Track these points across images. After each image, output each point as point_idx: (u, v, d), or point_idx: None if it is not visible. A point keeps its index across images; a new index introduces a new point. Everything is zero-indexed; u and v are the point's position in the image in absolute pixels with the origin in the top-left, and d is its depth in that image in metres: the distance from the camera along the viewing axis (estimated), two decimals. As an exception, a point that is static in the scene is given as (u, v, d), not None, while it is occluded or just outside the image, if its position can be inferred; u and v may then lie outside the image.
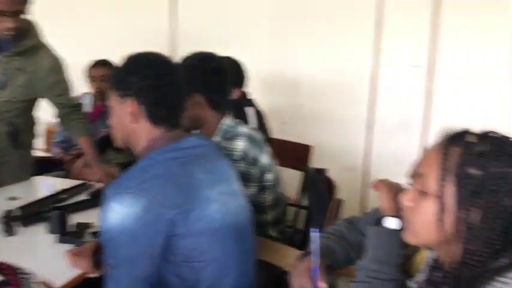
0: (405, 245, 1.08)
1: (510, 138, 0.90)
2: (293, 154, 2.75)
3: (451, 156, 0.88)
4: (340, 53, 2.93)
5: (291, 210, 2.23)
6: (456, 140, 0.90)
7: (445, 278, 0.90)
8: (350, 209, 1.94)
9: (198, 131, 1.75)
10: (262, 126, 2.39)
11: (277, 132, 2.90)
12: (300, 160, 2.67)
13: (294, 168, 2.60)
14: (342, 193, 1.93)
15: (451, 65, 2.76)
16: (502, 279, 0.82)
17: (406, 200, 0.95)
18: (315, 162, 2.70)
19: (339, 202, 1.87)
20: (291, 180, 2.39)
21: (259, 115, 2.44)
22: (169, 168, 1.25)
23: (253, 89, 2.75)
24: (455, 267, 0.88)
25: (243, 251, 1.37)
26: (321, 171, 1.96)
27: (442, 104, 2.79)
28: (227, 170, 1.42)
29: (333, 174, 2.16)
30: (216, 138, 1.71)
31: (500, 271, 0.83)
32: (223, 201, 1.32)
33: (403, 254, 1.12)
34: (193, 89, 1.63)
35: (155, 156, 1.27)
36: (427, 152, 0.94)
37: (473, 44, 2.71)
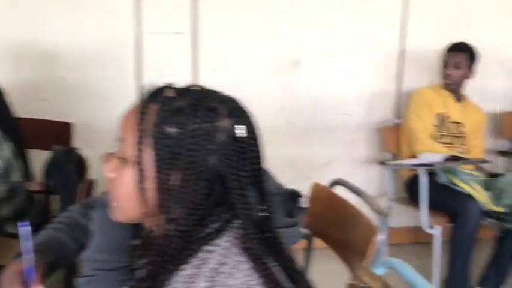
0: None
1: (213, 91, 0.83)
2: (52, 134, 2.44)
3: (149, 115, 0.77)
4: (100, 19, 2.67)
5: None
6: (155, 96, 0.79)
7: (151, 255, 0.79)
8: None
9: None
10: (-1, 103, 2.02)
11: (36, 110, 2.54)
12: (61, 140, 2.38)
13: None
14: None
15: (214, 31, 2.76)
16: (208, 247, 0.74)
17: (108, 171, 0.81)
18: (80, 141, 2.45)
19: (91, 183, 1.68)
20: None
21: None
22: None
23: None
24: (161, 242, 0.77)
25: None
26: (69, 151, 1.73)
27: (209, 69, 2.78)
28: None
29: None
30: None
31: (207, 239, 0.74)
32: None
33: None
34: None
35: None
36: (125, 113, 0.82)
37: (236, 8, 2.75)
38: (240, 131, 0.77)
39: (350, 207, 1.60)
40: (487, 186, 2.50)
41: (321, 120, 2.97)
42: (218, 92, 0.83)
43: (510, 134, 3.06)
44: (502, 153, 3.01)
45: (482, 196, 2.41)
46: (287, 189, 1.24)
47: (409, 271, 1.05)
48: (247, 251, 0.74)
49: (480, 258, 2.52)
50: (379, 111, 3.02)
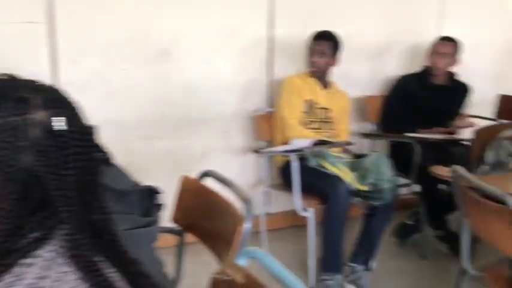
0: None
1: (27, 80, 0.73)
2: None
3: None
4: None
5: None
6: None
7: None
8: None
9: None
10: None
11: None
12: None
13: None
14: None
15: (75, 19, 2.56)
16: (26, 260, 0.65)
17: None
18: None
19: None
20: None
21: None
22: None
23: None
24: None
25: None
26: None
27: (70, 61, 2.58)
28: None
29: None
30: None
31: (24, 251, 0.65)
32: None
33: None
34: None
35: None
36: None
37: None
38: (58, 123, 0.68)
39: (219, 198, 1.57)
40: (353, 167, 2.64)
41: (196, 111, 2.92)
42: (34, 81, 0.73)
43: (373, 116, 3.27)
44: (366, 135, 3.21)
45: (348, 176, 2.54)
46: (143, 187, 1.16)
47: (268, 260, 1.05)
48: (74, 259, 0.66)
49: (351, 236, 2.67)
50: (252, 100, 3.05)
